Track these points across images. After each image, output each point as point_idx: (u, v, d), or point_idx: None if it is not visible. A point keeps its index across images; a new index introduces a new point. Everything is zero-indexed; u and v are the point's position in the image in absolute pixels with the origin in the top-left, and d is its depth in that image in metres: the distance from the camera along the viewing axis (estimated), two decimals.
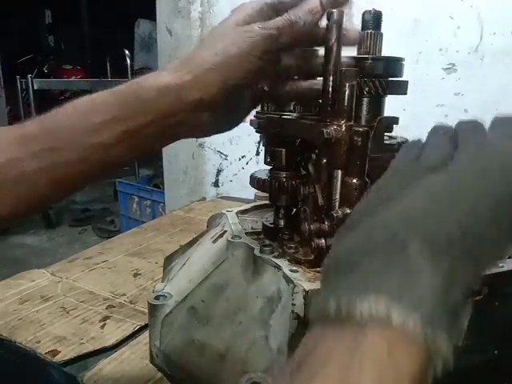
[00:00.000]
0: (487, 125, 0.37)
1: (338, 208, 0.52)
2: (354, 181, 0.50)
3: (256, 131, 0.63)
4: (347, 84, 0.50)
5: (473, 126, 0.38)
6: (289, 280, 0.49)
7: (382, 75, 0.61)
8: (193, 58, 0.48)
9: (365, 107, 0.63)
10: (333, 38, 0.52)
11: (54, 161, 0.46)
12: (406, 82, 0.65)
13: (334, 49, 0.53)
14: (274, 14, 0.50)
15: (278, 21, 0.48)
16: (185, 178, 2.00)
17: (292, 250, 0.56)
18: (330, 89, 0.54)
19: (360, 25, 0.63)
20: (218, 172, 1.89)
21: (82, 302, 1.01)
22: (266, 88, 0.55)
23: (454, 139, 0.37)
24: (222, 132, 0.58)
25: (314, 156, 0.58)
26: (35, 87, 3.35)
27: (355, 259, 0.29)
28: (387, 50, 0.63)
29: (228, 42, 0.47)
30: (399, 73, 0.63)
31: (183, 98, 0.46)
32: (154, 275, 1.15)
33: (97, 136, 0.45)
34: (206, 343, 0.61)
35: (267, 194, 0.63)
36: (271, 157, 0.63)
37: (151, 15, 2.37)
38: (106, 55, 4.26)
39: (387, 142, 0.61)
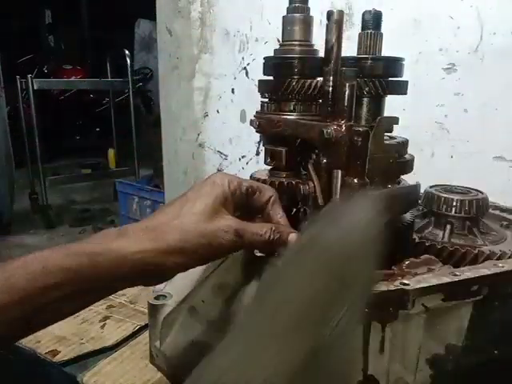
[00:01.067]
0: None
1: None
2: (355, 181, 0.50)
3: (256, 131, 0.63)
4: (347, 84, 0.50)
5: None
6: None
7: (382, 75, 0.61)
8: (162, 232, 0.47)
9: (365, 107, 0.63)
10: (333, 38, 0.52)
11: None
12: (406, 82, 0.65)
13: (335, 49, 0.53)
14: (242, 200, 0.53)
15: (251, 236, 0.50)
16: (185, 178, 2.00)
17: None
18: (330, 89, 0.54)
19: (360, 25, 0.63)
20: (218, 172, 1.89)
21: None
22: None
23: None
24: None
25: (314, 156, 0.58)
26: (35, 87, 3.35)
27: None
28: (387, 50, 0.63)
29: (200, 232, 0.47)
30: (399, 73, 0.64)
31: (140, 268, 0.47)
32: None
33: (46, 297, 0.44)
34: (206, 343, 0.61)
35: None
36: (271, 157, 0.63)
37: (151, 15, 2.37)
38: (106, 55, 4.26)
39: (387, 142, 0.61)
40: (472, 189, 0.73)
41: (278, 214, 0.54)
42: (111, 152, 4.26)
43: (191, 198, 0.50)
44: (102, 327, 0.90)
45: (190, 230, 0.47)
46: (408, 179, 0.67)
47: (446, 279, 0.50)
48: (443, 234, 0.69)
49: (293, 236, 0.52)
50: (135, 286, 0.53)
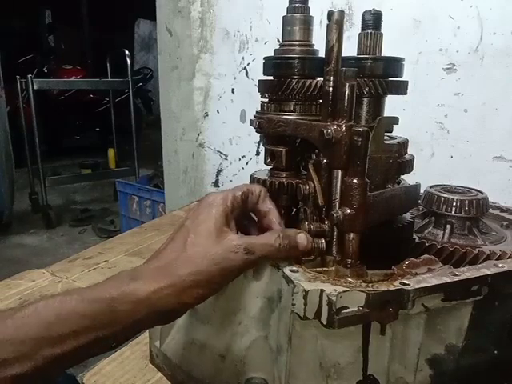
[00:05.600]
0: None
1: (338, 208, 0.52)
2: (355, 181, 0.50)
3: (256, 131, 0.63)
4: (347, 84, 0.50)
5: None
6: (289, 280, 0.49)
7: (382, 75, 0.61)
8: (173, 268, 0.47)
9: (365, 107, 0.63)
10: (333, 38, 0.52)
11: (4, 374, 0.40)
12: (406, 82, 0.65)
13: (335, 49, 0.53)
14: (241, 209, 0.53)
15: (262, 249, 0.49)
16: (185, 178, 2.00)
17: None
18: (330, 89, 0.54)
19: (360, 25, 0.63)
20: (218, 172, 1.89)
21: None
22: None
23: None
24: None
25: (314, 156, 0.58)
26: (35, 87, 3.35)
27: None
28: (387, 50, 0.63)
29: (210, 260, 0.47)
30: (399, 73, 0.63)
31: (158, 308, 0.46)
32: None
33: (60, 347, 0.42)
34: (206, 343, 0.61)
35: None
36: (271, 157, 0.63)
37: (151, 15, 2.37)
38: (106, 55, 4.26)
39: (387, 142, 0.61)
40: (472, 189, 0.73)
41: (267, 207, 0.54)
42: (111, 152, 4.26)
43: (191, 227, 0.49)
44: None
45: (200, 260, 0.46)
46: (408, 179, 0.67)
47: (446, 279, 0.50)
48: (443, 234, 0.69)
49: (301, 236, 0.52)
50: (153, 326, 0.51)
